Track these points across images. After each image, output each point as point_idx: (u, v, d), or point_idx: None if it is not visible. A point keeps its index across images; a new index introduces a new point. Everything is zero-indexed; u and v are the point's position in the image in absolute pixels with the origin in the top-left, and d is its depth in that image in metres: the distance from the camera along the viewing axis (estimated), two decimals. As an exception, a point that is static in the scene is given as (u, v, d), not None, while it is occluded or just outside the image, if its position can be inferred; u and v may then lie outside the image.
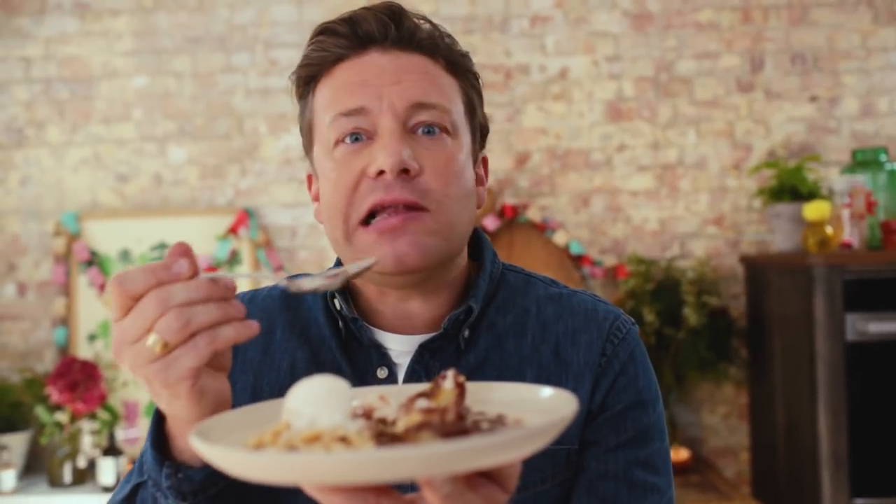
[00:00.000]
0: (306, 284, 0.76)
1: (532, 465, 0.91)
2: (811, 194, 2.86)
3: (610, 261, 3.26)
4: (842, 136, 3.29)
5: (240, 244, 3.27)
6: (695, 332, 3.04)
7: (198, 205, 3.32)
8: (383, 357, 0.97)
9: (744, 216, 3.28)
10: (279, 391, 0.95)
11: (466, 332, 0.97)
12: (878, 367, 2.53)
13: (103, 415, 3.05)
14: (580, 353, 0.98)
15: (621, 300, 3.14)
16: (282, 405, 0.65)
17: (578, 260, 3.23)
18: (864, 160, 2.80)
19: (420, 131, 0.92)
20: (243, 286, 2.84)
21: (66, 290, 3.26)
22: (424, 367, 0.96)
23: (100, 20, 3.34)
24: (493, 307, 1.01)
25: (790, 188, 2.89)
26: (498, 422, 0.62)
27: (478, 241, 1.05)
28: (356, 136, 0.92)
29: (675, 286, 3.09)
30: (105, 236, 3.27)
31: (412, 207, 0.89)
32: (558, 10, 3.32)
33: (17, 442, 3.03)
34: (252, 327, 0.71)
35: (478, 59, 1.60)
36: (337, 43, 0.94)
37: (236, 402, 0.92)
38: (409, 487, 0.89)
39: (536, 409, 0.67)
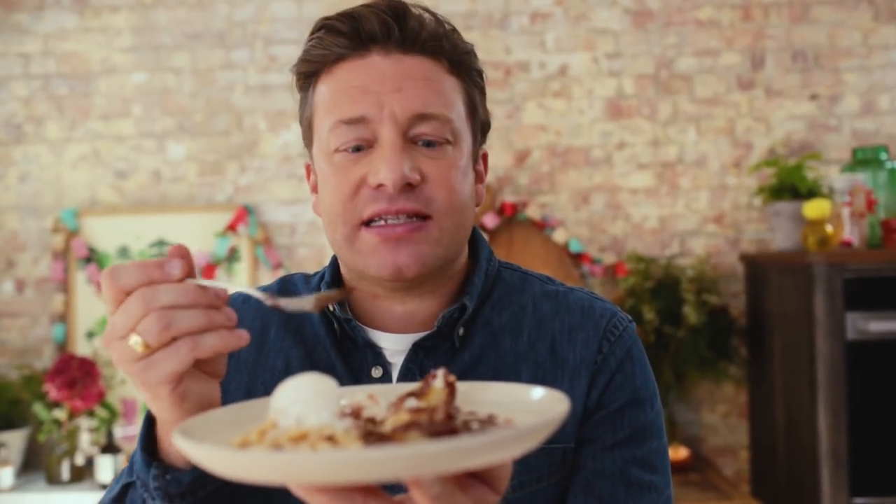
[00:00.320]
0: (284, 304, 0.74)
1: (528, 463, 0.91)
2: (811, 192, 2.85)
3: (609, 259, 3.25)
4: (842, 134, 3.28)
5: (239, 241, 3.26)
6: (694, 331, 3.03)
7: (197, 201, 3.31)
8: (378, 356, 0.96)
9: (744, 214, 3.27)
10: (273, 391, 0.95)
11: (461, 330, 0.96)
12: (878, 365, 2.52)
13: (101, 412, 3.04)
14: (576, 350, 0.97)
15: (621, 298, 3.13)
16: (269, 404, 0.64)
17: (578, 258, 3.22)
18: (864, 158, 2.79)
19: (420, 143, 0.91)
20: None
21: (65, 286, 3.26)
22: (419, 365, 0.95)
23: (99, 16, 3.34)
24: (489, 305, 1.00)
25: (790, 186, 2.88)
26: (488, 422, 0.62)
27: (474, 239, 1.05)
28: (357, 147, 0.91)
29: (674, 284, 3.09)
30: (104, 233, 3.27)
31: (415, 215, 0.89)
32: (558, 6, 3.31)
33: (15, 439, 3.03)
34: (241, 337, 0.71)
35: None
36: (338, 42, 0.92)
37: (230, 402, 0.92)
38: (399, 489, 0.88)
39: (528, 410, 0.67)
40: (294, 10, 3.32)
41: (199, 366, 0.75)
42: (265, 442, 0.59)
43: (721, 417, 3.25)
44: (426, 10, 0.95)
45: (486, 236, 1.43)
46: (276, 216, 3.32)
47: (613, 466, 0.94)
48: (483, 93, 1.01)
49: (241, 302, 1.05)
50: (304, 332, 1.00)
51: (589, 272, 3.23)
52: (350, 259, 0.93)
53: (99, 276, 3.22)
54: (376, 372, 0.96)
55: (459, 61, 0.96)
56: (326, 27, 0.94)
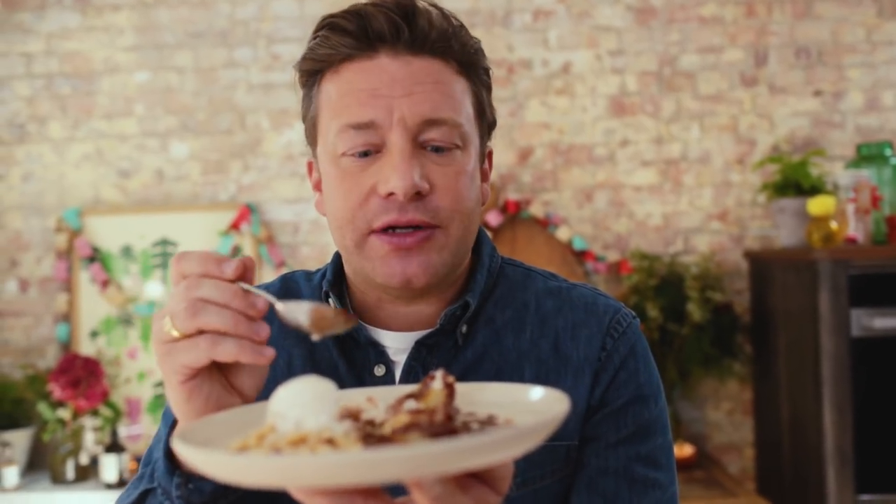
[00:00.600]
0: (283, 312, 0.73)
1: (531, 461, 0.90)
2: (815, 189, 2.84)
3: (613, 256, 3.25)
4: (846, 131, 3.27)
5: (242, 240, 3.26)
6: (699, 328, 3.03)
7: (200, 200, 3.31)
8: (381, 355, 0.96)
9: (748, 211, 3.27)
10: (275, 389, 0.94)
11: (464, 328, 0.96)
12: (884, 362, 2.51)
13: (105, 411, 3.04)
14: (580, 347, 0.96)
15: (624, 296, 3.13)
16: (267, 408, 0.64)
17: (581, 255, 3.21)
18: (868, 154, 2.78)
19: (430, 149, 0.90)
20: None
21: (69, 286, 3.26)
22: (422, 363, 0.95)
23: (101, 15, 3.34)
24: (492, 302, 0.99)
25: (794, 183, 2.88)
26: (488, 422, 0.61)
27: (477, 236, 1.04)
28: (365, 152, 0.89)
29: (678, 282, 3.08)
30: (107, 232, 3.27)
31: (424, 226, 0.89)
32: (561, 4, 3.30)
33: (20, 439, 3.03)
34: (264, 353, 0.71)
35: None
36: (344, 41, 0.90)
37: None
38: (400, 491, 0.88)
39: (528, 410, 0.66)
40: (296, 8, 3.32)
41: (228, 375, 0.76)
42: (264, 446, 0.58)
43: (726, 415, 3.24)
44: (434, 5, 0.92)
45: (489, 234, 1.42)
46: (279, 215, 3.32)
47: (617, 463, 0.94)
48: (490, 90, 0.99)
49: None
50: None
51: (592, 270, 3.23)
52: (358, 264, 0.92)
53: (102, 276, 3.22)
54: (379, 370, 0.95)
55: (468, 61, 0.94)
56: (332, 25, 0.91)
